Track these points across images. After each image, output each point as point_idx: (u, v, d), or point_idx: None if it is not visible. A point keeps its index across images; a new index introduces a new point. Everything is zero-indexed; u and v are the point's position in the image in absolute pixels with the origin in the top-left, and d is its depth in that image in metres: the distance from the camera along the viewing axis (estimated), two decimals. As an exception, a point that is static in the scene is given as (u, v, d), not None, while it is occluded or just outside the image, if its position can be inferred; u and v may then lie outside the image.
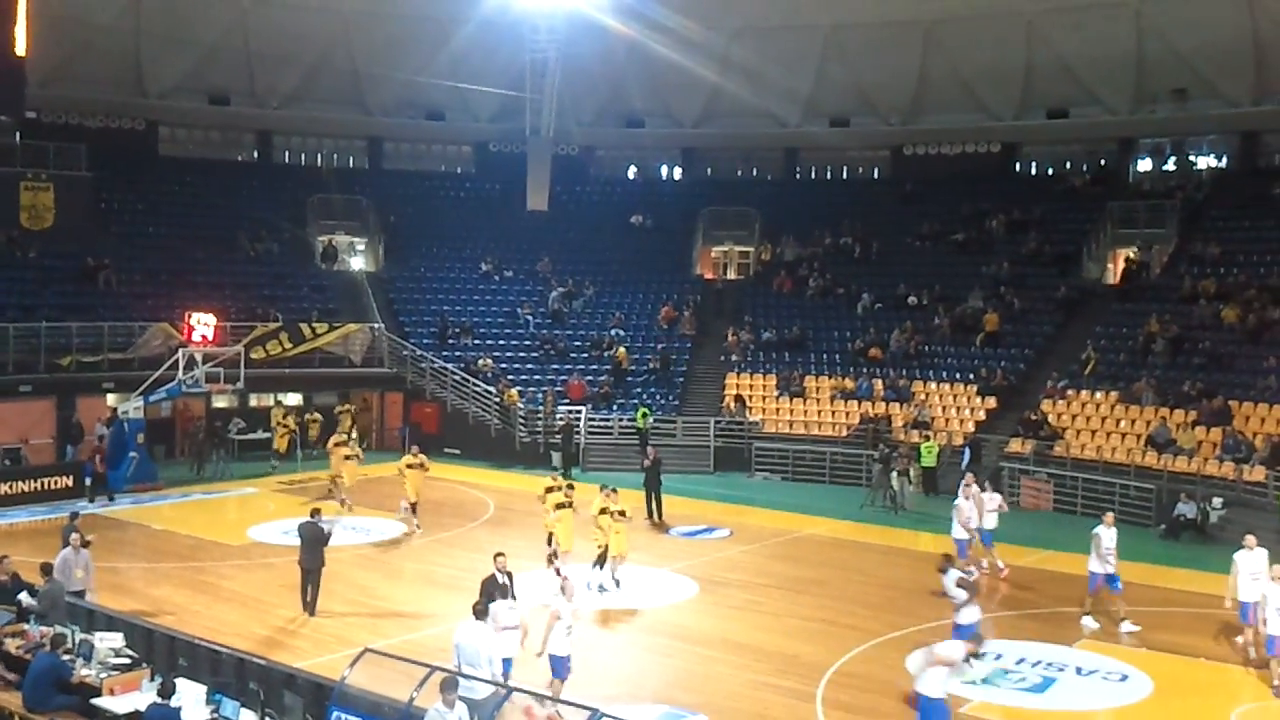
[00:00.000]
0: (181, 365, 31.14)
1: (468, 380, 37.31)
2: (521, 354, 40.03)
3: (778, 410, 36.86)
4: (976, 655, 15.69)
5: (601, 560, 20.90)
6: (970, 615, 16.44)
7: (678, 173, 50.84)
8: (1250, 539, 17.78)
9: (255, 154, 47.65)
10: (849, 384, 36.75)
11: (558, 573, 20.87)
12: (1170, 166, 43.29)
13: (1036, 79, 43.15)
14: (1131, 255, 39.40)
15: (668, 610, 20.06)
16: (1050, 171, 45.88)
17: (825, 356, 38.74)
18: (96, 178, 40.04)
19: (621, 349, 39.38)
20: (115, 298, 36.70)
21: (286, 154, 48.18)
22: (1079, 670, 16.87)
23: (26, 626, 14.82)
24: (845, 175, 49.02)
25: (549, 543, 21.17)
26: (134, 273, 38.39)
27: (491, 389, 37.03)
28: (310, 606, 19.00)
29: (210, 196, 43.39)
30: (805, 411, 36.59)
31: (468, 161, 50.01)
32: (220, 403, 36.38)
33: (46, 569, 16.35)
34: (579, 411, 36.12)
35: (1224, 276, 35.54)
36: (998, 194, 43.88)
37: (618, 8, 40.37)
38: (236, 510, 28.87)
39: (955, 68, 43.57)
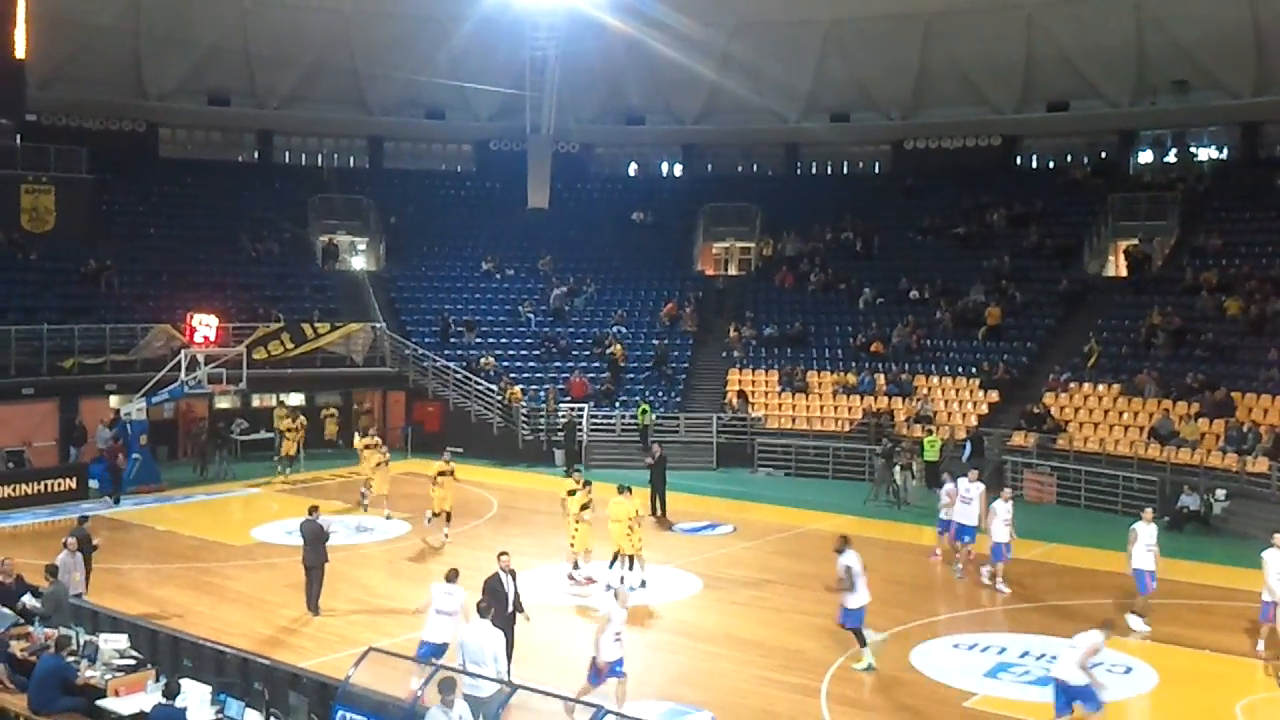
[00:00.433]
0: (184, 366, 31.16)
1: (470, 379, 37.32)
2: (523, 352, 40.04)
3: (780, 406, 36.86)
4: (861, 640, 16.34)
5: (617, 560, 20.88)
6: (859, 600, 16.53)
7: (678, 169, 50.84)
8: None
9: (256, 154, 47.67)
10: (851, 379, 36.74)
11: (573, 579, 20.98)
12: (1171, 158, 43.25)
13: (1037, 72, 43.12)
14: (1132, 246, 39.33)
15: (672, 606, 20.05)
16: (1051, 164, 45.84)
17: (827, 352, 38.73)
18: (97, 179, 40.09)
19: (618, 345, 39.36)
20: (117, 299, 36.74)
21: (287, 154, 48.21)
22: (1083, 663, 16.83)
23: (31, 629, 14.85)
24: (846, 170, 49.01)
25: (574, 547, 21.10)
26: (135, 274, 38.42)
27: (494, 387, 37.04)
28: (313, 604, 19.04)
29: (211, 197, 43.42)
30: (808, 407, 36.60)
31: (468, 160, 50.02)
32: (223, 403, 36.39)
33: (51, 571, 16.37)
34: (581, 409, 36.11)
35: (1226, 268, 35.52)
36: (999, 187, 43.85)
37: (617, 5, 40.38)
38: (240, 511, 28.88)
39: (955, 61, 43.54)
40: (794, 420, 36.23)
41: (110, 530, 24.72)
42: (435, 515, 24.62)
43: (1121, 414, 31.40)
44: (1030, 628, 18.56)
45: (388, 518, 26.63)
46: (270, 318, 37.47)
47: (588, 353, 39.85)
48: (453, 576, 15.50)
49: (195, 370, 31.25)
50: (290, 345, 36.57)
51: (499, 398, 36.84)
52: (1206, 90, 41.09)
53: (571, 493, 21.74)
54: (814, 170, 49.29)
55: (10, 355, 32.50)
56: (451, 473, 25.13)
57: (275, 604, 19.73)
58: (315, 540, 19.06)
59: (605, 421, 36.49)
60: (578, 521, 21.13)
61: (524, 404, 36.74)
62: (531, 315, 41.69)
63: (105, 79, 42.88)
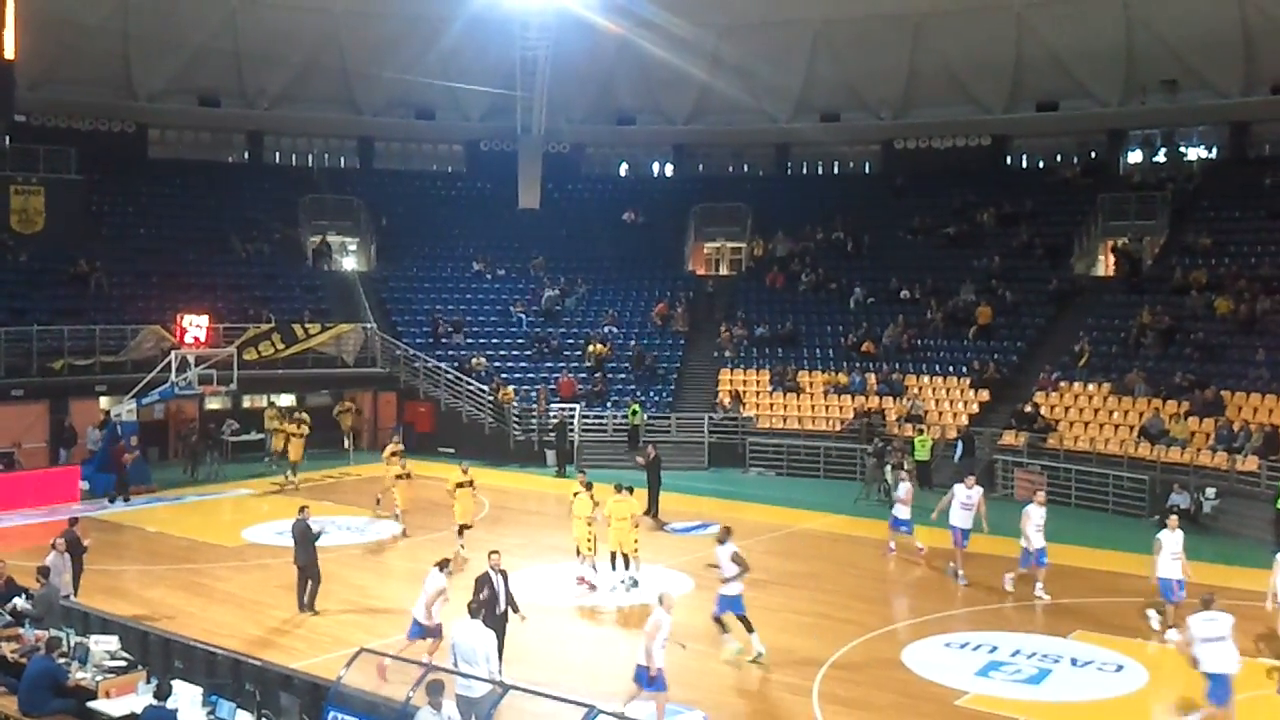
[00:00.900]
0: (174, 367, 31.16)
1: (461, 379, 37.29)
2: (515, 352, 40.03)
3: (771, 406, 36.91)
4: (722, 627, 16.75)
5: (621, 559, 20.88)
6: (736, 588, 16.76)
7: (669, 169, 50.85)
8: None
9: (246, 155, 47.54)
10: (842, 379, 36.79)
11: (584, 581, 20.92)
12: (1161, 158, 43.32)
13: (1026, 72, 43.20)
14: (1124, 244, 39.44)
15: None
16: (1041, 164, 45.96)
17: (818, 351, 38.79)
18: (87, 180, 39.96)
19: (600, 345, 39.34)
20: (107, 300, 36.66)
21: (277, 155, 48.13)
22: (1074, 661, 16.91)
23: (21, 630, 14.81)
24: (836, 170, 49.05)
25: (580, 552, 21.02)
26: (125, 275, 38.33)
27: (485, 388, 37.03)
28: (308, 604, 19.06)
29: (201, 198, 43.40)
30: (799, 407, 36.64)
31: (459, 160, 49.98)
32: (213, 404, 36.31)
33: (43, 573, 16.33)
34: (573, 409, 36.12)
35: (1215, 267, 35.61)
36: (988, 187, 43.93)
37: (607, 5, 40.39)
38: (231, 512, 28.82)
39: (945, 61, 43.62)
40: (785, 420, 36.26)
41: (101, 531, 24.66)
42: (465, 528, 23.45)
43: (1112, 413, 31.48)
44: (1021, 626, 18.59)
45: (404, 534, 25.37)
46: (261, 318, 37.43)
47: (579, 353, 39.84)
48: (443, 566, 15.71)
49: (186, 371, 31.22)
50: (281, 346, 36.51)
51: (490, 398, 36.82)
52: (1195, 90, 41.21)
53: (576, 494, 21.55)
54: (804, 170, 49.33)
55: (-1, 356, 32.46)
56: (470, 484, 23.93)
57: (267, 605, 19.71)
58: (304, 541, 19.05)
59: (597, 422, 36.49)
60: (589, 524, 20.91)
61: (515, 404, 36.72)
62: (523, 316, 41.68)
63: (94, 79, 42.78)
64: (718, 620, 17.16)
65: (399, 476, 25.84)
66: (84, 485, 29.82)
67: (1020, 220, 41.88)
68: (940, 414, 34.59)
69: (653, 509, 27.27)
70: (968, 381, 35.26)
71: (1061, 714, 15.13)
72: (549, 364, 39.24)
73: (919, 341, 37.72)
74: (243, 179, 45.94)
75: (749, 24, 43.59)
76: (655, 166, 51.40)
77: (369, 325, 39.20)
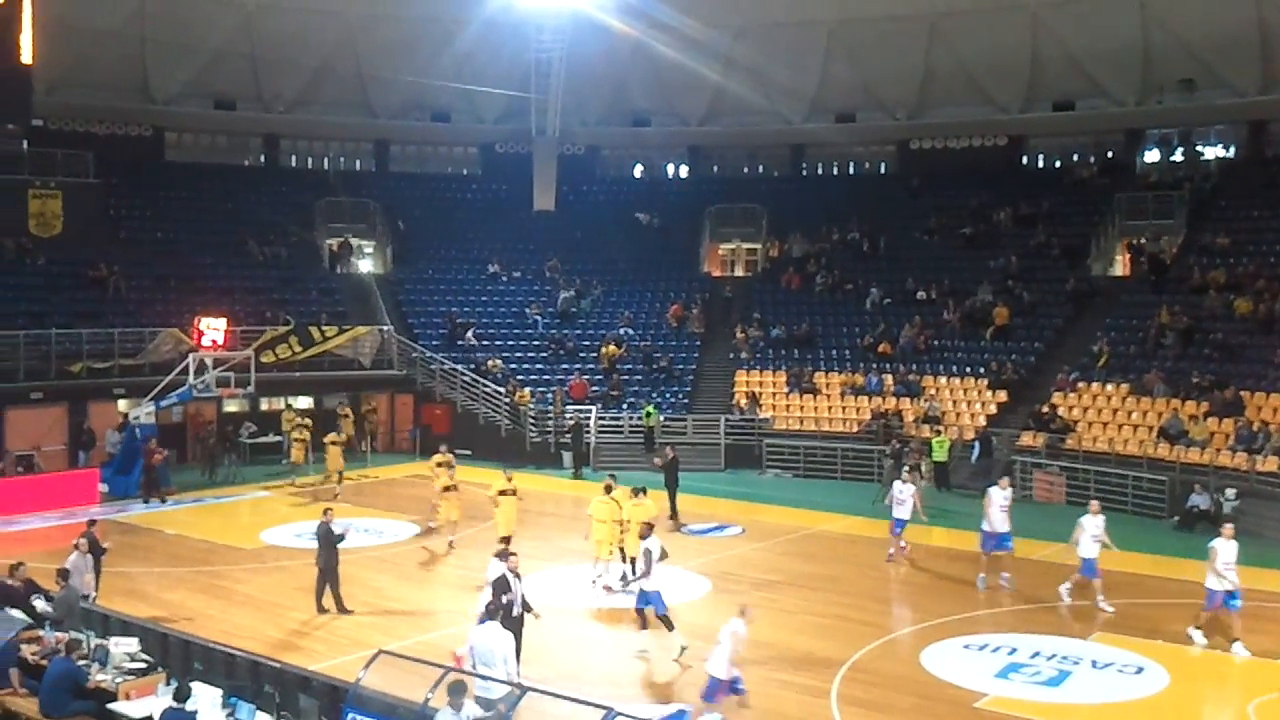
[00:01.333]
0: (192, 370, 31.24)
1: (477, 381, 37.34)
2: (530, 354, 40.07)
3: (788, 407, 36.85)
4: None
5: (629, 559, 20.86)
6: (653, 584, 16.91)
7: (684, 171, 50.83)
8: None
9: (262, 158, 47.70)
10: (859, 380, 36.71)
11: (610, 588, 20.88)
12: (1178, 157, 43.10)
13: (1042, 71, 43.06)
14: (1142, 242, 39.27)
15: (680, 608, 19.95)
16: (1057, 164, 45.78)
17: (835, 353, 38.71)
18: (104, 184, 40.12)
19: (613, 346, 39.32)
20: (125, 304, 36.80)
21: (293, 158, 48.27)
22: (1094, 663, 16.82)
23: (42, 632, 14.86)
24: (852, 171, 48.99)
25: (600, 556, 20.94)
26: (143, 278, 38.47)
27: (501, 390, 37.06)
28: (333, 605, 19.13)
29: (218, 201, 43.55)
30: (816, 408, 36.57)
31: (474, 163, 50.05)
32: (231, 407, 36.40)
33: (62, 574, 16.39)
34: (589, 411, 36.12)
35: (1233, 267, 35.43)
36: (1005, 187, 43.78)
37: (621, 7, 40.39)
38: (249, 514, 28.90)
39: (961, 61, 43.50)
40: (802, 421, 36.20)
41: (120, 534, 24.80)
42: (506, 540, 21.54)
43: (1130, 414, 31.34)
44: (1041, 628, 18.51)
45: (451, 546, 24.20)
46: (278, 321, 37.54)
47: (594, 355, 39.85)
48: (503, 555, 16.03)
49: (203, 374, 31.29)
50: (298, 348, 36.60)
51: (506, 400, 36.85)
52: (1213, 89, 41.00)
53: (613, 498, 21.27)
54: (820, 171, 49.27)
55: (19, 360, 32.53)
56: (514, 491, 22.82)
57: (285, 607, 19.75)
58: (325, 543, 19.10)
59: (613, 423, 36.49)
60: (619, 526, 20.81)
61: (531, 406, 36.75)
62: (538, 317, 41.72)
63: (111, 84, 42.97)
64: (639, 613, 17.36)
65: (446, 489, 24.49)
66: (103, 488, 29.93)
67: (1037, 220, 41.74)
68: (958, 415, 34.50)
69: (671, 510, 27.23)
70: (985, 382, 35.15)
71: (1082, 716, 15.07)
72: (565, 365, 39.25)
73: (936, 342, 37.62)
74: (259, 182, 46.12)
75: (763, 25, 43.55)
76: (670, 168, 51.39)
77: (385, 327, 39.27)
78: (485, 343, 40.09)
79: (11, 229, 37.40)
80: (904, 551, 23.31)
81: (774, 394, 37.50)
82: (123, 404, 33.77)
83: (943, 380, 35.94)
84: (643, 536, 17.51)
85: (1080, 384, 33.15)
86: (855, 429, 35.14)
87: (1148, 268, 37.83)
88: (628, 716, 11.29)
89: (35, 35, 35.33)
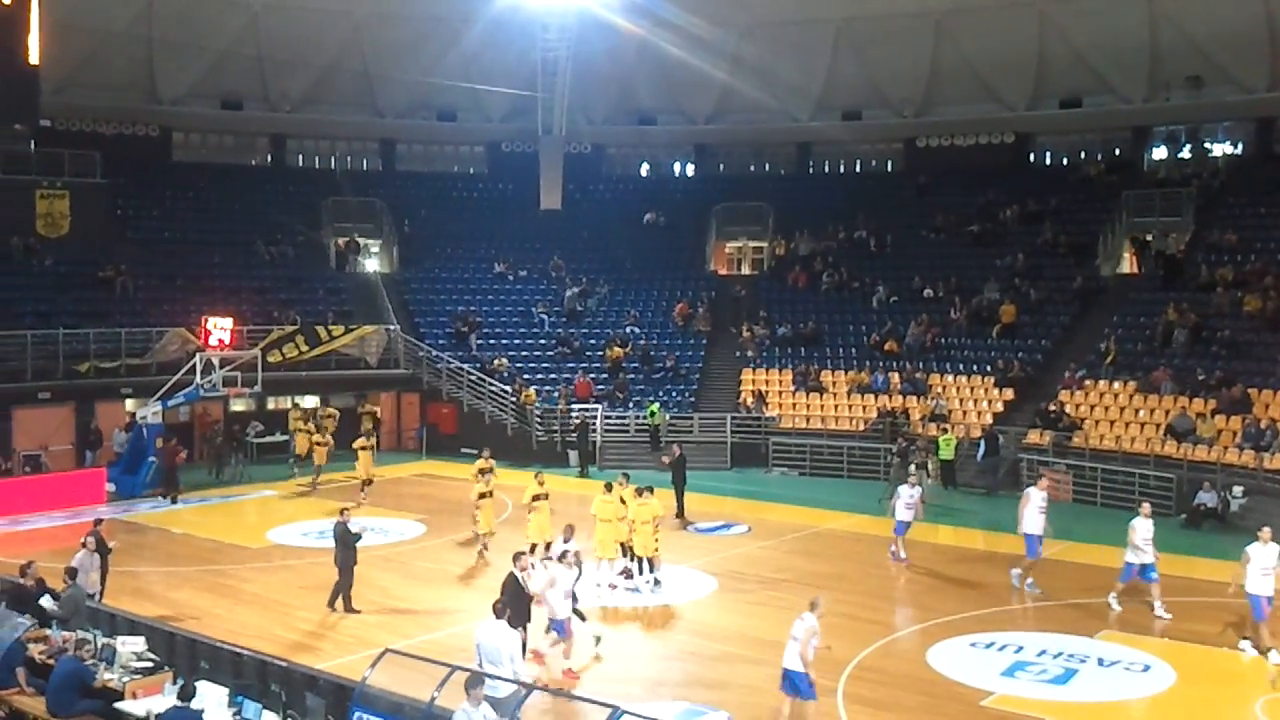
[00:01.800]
0: (199, 369, 31.32)
1: (484, 380, 37.35)
2: (537, 353, 40.08)
3: (794, 405, 36.82)
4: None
5: (647, 561, 20.86)
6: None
7: (690, 169, 50.82)
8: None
9: (269, 158, 47.78)
10: (865, 378, 36.66)
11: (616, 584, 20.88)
12: (1186, 154, 43.01)
13: (1049, 69, 42.98)
14: (1148, 240, 39.19)
15: (687, 606, 20.05)
16: (1064, 161, 45.70)
17: (841, 351, 38.67)
18: (111, 184, 40.23)
19: (618, 348, 39.28)
20: (132, 303, 36.88)
21: (300, 157, 48.31)
22: (1101, 661, 16.79)
23: (49, 632, 14.89)
24: (858, 169, 48.92)
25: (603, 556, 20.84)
26: (150, 278, 38.54)
27: (507, 389, 37.08)
28: (338, 603, 19.16)
29: (225, 201, 43.61)
30: (822, 406, 36.55)
31: (480, 162, 50.07)
32: (238, 406, 36.51)
33: (70, 574, 16.43)
34: (595, 410, 36.12)
35: (1241, 264, 35.33)
36: (1012, 185, 43.70)
37: (627, 6, 40.37)
38: (255, 513, 28.96)
39: (967, 59, 43.43)
40: (808, 420, 36.17)
41: (127, 533, 24.84)
42: (541, 546, 21.46)
43: (1138, 411, 31.27)
44: (1047, 626, 18.48)
45: (482, 554, 23.29)
46: (285, 320, 37.58)
47: (601, 354, 39.86)
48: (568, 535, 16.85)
49: (210, 373, 31.39)
50: (305, 348, 36.65)
51: (513, 399, 36.87)
52: (1220, 85, 40.90)
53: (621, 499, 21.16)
54: (826, 169, 49.23)
55: (26, 360, 32.65)
56: (546, 496, 22.27)
57: (292, 606, 19.79)
58: (341, 543, 19.13)
59: (619, 422, 36.49)
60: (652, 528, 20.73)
61: (538, 405, 36.76)
62: (545, 316, 41.73)
63: (118, 84, 43.05)
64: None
65: (482, 495, 23.21)
66: (110, 487, 30.00)
67: (1044, 218, 41.65)
68: (964, 413, 34.44)
69: (679, 509, 27.23)
70: (992, 380, 35.10)
71: (1088, 714, 15.04)
72: (571, 365, 39.25)
73: (942, 340, 37.56)
74: (266, 182, 46.19)
75: (770, 23, 43.51)
76: (676, 166, 51.36)
77: (392, 327, 39.31)
78: (491, 342, 40.10)
79: (19, 229, 37.50)
80: (904, 562, 22.85)
81: (780, 392, 37.47)
82: (130, 403, 33.88)
83: (949, 378, 35.90)
84: (565, 539, 17.48)
85: (1087, 382, 33.10)
86: (861, 427, 35.11)
87: (1159, 265, 37.69)
88: (634, 715, 11.30)
89: (42, 36, 35.44)
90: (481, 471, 24.59)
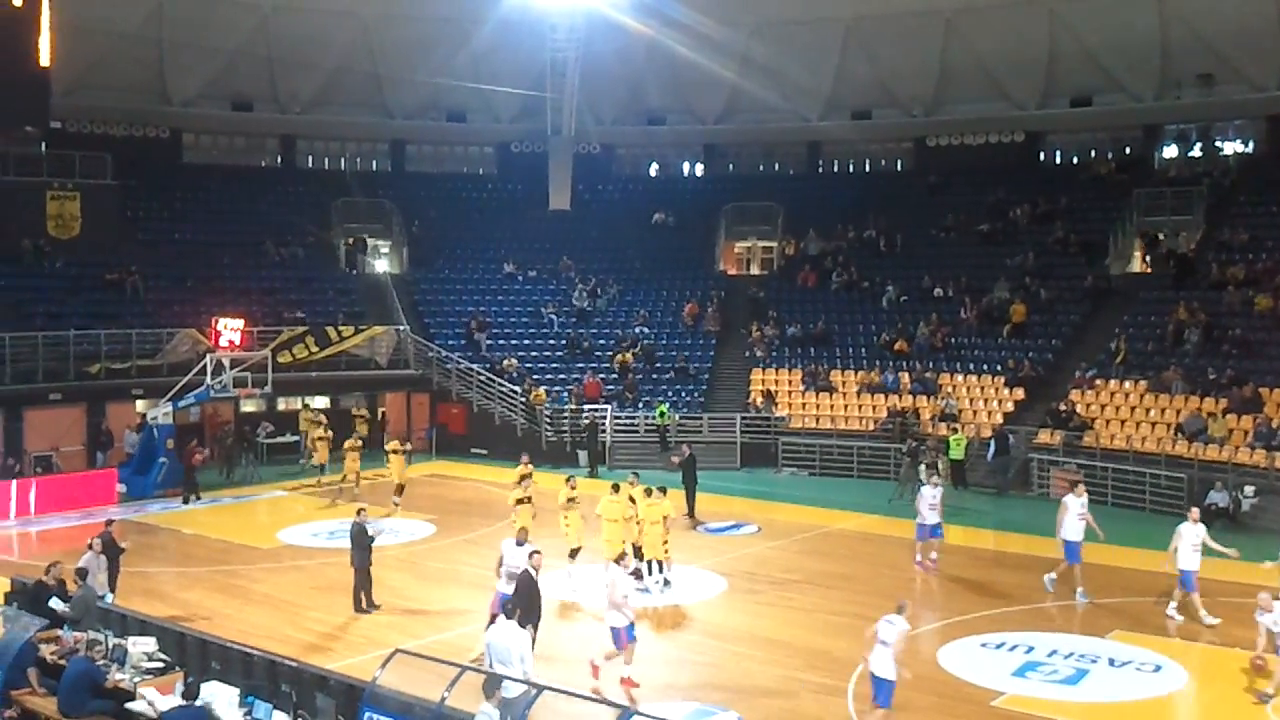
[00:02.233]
0: (209, 370, 31.37)
1: (493, 380, 37.37)
2: (546, 353, 40.09)
3: (804, 405, 36.78)
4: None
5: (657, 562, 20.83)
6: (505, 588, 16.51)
7: (699, 169, 50.80)
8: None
9: (279, 159, 47.88)
10: (875, 378, 36.61)
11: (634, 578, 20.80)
12: (1197, 153, 42.86)
13: (1060, 67, 42.90)
14: (1160, 239, 39.06)
15: (697, 606, 20.03)
16: (1075, 160, 45.61)
17: (851, 350, 38.63)
18: (122, 186, 40.29)
19: (627, 355, 39.26)
20: (142, 305, 36.98)
21: (310, 159, 48.42)
22: (1112, 662, 16.75)
23: (61, 633, 14.93)
24: (868, 168, 48.85)
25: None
26: (161, 279, 38.62)
27: (517, 389, 37.09)
28: (361, 604, 19.19)
29: (235, 202, 43.72)
30: (832, 406, 36.50)
31: (490, 162, 50.12)
32: (248, 407, 36.57)
33: (80, 574, 16.48)
34: (604, 410, 36.12)
35: (1252, 263, 35.20)
36: (1022, 184, 43.61)
37: (636, 6, 40.40)
38: (266, 513, 29.02)
39: (977, 57, 43.35)
40: (818, 419, 36.12)
41: (138, 534, 24.90)
42: (574, 553, 21.36)
43: (1149, 411, 31.17)
44: (1058, 626, 18.45)
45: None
46: (295, 321, 37.64)
47: (610, 353, 39.84)
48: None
49: (221, 374, 31.43)
50: (315, 348, 36.72)
51: (522, 399, 36.88)
52: (1231, 84, 40.75)
53: (631, 498, 21.08)
54: (836, 169, 49.18)
55: (38, 361, 32.72)
56: (577, 500, 21.72)
57: (302, 606, 19.82)
58: (359, 543, 19.16)
59: (628, 422, 36.49)
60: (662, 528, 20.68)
61: (547, 405, 36.78)
62: (554, 317, 41.74)
63: (129, 86, 43.16)
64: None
65: (519, 501, 22.21)
66: (121, 488, 30.08)
67: (1054, 217, 41.55)
68: (975, 413, 34.37)
69: (689, 509, 27.19)
70: (1002, 380, 35.02)
71: (1099, 715, 15.01)
72: (580, 364, 39.25)
73: (953, 340, 37.49)
74: (276, 183, 46.29)
75: (779, 23, 43.50)
76: (686, 166, 51.36)
77: (402, 327, 39.35)
78: (501, 342, 40.12)
79: (30, 231, 37.61)
80: (933, 568, 22.38)
81: (790, 392, 37.43)
82: (141, 404, 33.93)
83: (960, 378, 35.82)
84: (519, 543, 16.93)
85: (1098, 381, 33.00)
86: (871, 427, 35.05)
87: (1170, 264, 37.56)
88: (644, 715, 11.29)
89: (53, 38, 35.52)
90: (522, 477, 23.77)
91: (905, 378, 36.27)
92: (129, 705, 13.21)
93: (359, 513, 19.72)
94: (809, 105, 46.80)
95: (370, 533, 19.35)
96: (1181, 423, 29.80)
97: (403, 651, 13.29)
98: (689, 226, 46.41)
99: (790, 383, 37.80)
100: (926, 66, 44.26)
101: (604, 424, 35.59)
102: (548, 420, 36.56)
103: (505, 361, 38.54)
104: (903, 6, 42.24)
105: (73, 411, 33.24)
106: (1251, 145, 42.43)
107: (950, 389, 35.32)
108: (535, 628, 15.55)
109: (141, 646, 14.11)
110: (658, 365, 39.19)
